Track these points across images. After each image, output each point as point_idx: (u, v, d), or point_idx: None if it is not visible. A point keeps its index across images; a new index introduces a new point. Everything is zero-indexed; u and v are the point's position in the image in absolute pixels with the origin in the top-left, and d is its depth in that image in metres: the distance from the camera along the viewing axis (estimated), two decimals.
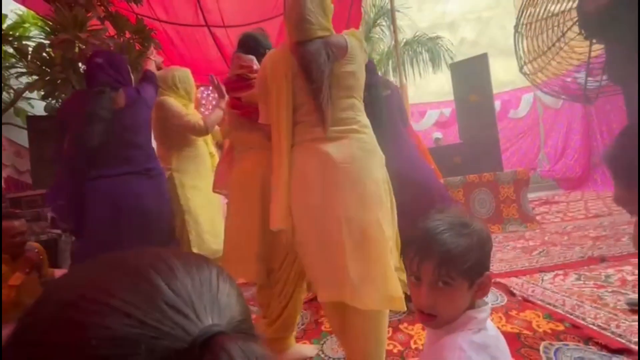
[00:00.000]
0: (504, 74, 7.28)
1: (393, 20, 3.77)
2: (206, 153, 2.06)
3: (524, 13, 1.18)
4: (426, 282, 0.64)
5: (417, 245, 0.65)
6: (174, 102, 1.89)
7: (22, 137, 3.33)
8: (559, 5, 1.19)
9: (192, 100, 2.10)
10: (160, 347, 0.21)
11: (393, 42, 5.09)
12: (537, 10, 1.15)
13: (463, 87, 3.94)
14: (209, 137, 2.12)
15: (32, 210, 2.33)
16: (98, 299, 0.22)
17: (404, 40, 6.52)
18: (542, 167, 7.13)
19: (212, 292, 0.25)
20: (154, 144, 1.81)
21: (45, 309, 0.23)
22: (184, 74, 2.05)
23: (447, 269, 0.62)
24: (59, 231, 2.02)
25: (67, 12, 2.48)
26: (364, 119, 1.11)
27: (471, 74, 3.85)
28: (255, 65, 1.37)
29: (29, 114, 3.49)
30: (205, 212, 1.87)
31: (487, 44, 8.30)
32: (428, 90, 7.83)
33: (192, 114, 1.93)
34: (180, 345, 0.22)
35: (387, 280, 0.96)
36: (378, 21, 6.48)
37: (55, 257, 2.21)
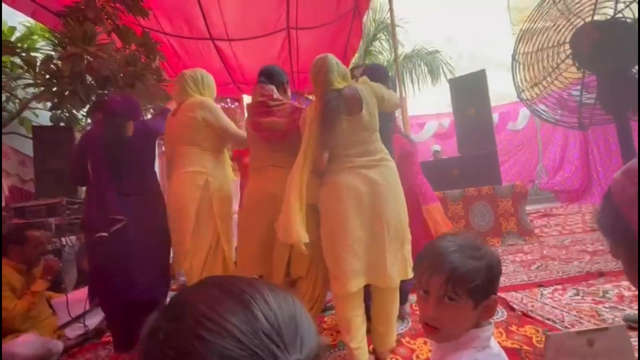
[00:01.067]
0: (502, 87, 7.40)
1: (393, 35, 3.85)
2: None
3: (521, 43, 1.24)
4: (433, 296, 0.67)
5: (428, 261, 0.70)
6: (216, 105, 1.80)
7: (26, 147, 3.36)
8: (554, 38, 1.25)
9: None
10: None
11: (392, 56, 5.20)
12: (533, 41, 1.21)
13: (462, 102, 4.01)
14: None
15: (37, 220, 2.34)
16: (216, 321, 0.27)
17: (403, 54, 6.65)
18: (540, 180, 7.19)
19: (297, 326, 0.29)
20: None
21: (180, 323, 0.28)
22: (209, 76, 1.87)
23: (454, 285, 0.65)
24: (63, 241, 2.04)
25: (77, 26, 2.54)
26: (383, 147, 1.42)
27: (470, 90, 3.93)
28: (275, 94, 1.61)
29: (34, 123, 3.53)
30: (230, 221, 1.86)
31: (485, 57, 8.48)
32: (427, 102, 7.95)
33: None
34: None
35: (407, 262, 1.38)
36: (378, 35, 6.61)
37: (60, 274, 2.22)
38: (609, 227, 0.52)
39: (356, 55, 6.03)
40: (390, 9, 3.75)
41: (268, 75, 1.65)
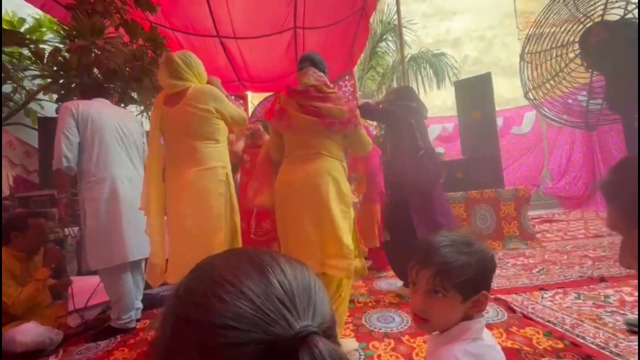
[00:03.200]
0: (507, 91, 7.39)
1: (400, 36, 3.86)
2: None
3: (529, 42, 1.25)
4: (422, 288, 0.70)
5: (418, 255, 0.72)
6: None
7: (32, 138, 3.39)
8: (562, 38, 1.25)
9: None
10: (271, 332, 0.26)
11: (398, 57, 5.20)
12: (542, 41, 1.21)
13: (466, 105, 4.00)
14: None
15: (40, 210, 2.36)
16: (233, 283, 0.29)
17: (409, 55, 6.64)
18: (545, 184, 7.15)
19: (311, 296, 0.30)
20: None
21: (202, 283, 0.30)
22: (198, 60, 1.72)
23: (442, 279, 0.68)
24: (66, 231, 2.05)
25: (86, 19, 2.55)
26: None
27: (475, 93, 3.91)
28: (327, 81, 1.60)
29: (40, 115, 3.55)
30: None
31: (491, 62, 8.45)
32: (431, 105, 7.92)
33: None
34: (285, 335, 0.27)
35: None
36: (384, 36, 6.61)
37: (62, 262, 2.23)
38: (617, 189, 0.53)
39: (362, 55, 6.03)
40: (398, 11, 3.76)
41: (314, 62, 1.60)
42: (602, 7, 1.15)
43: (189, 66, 1.64)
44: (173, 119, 1.61)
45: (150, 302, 2.26)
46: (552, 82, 1.34)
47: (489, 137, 3.80)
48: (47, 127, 3.04)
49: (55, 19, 3.22)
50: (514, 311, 1.80)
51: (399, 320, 1.81)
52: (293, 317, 0.28)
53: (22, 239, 1.83)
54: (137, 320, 2.05)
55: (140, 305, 2.10)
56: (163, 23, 3.51)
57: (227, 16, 3.52)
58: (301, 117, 1.50)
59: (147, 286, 2.28)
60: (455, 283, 0.67)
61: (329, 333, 0.30)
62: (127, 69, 2.81)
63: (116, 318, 1.91)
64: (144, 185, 1.64)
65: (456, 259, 0.68)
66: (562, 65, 1.31)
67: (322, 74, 1.59)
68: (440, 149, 6.41)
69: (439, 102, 7.90)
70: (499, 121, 6.69)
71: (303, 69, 1.59)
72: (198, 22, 3.62)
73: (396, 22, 4.06)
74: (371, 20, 4.15)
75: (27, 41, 2.93)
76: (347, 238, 1.43)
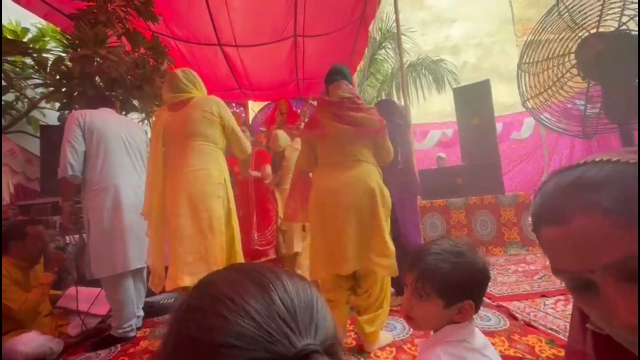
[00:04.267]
0: (506, 97, 7.43)
1: (399, 44, 3.90)
2: None
3: (527, 52, 1.27)
4: (409, 289, 0.77)
5: (409, 260, 0.79)
6: None
7: (33, 145, 3.40)
8: (559, 48, 1.27)
9: None
10: (272, 350, 0.26)
11: (398, 64, 5.25)
12: (539, 50, 1.23)
13: (466, 111, 4.03)
14: None
15: (41, 218, 2.36)
16: (235, 301, 0.29)
17: (408, 62, 6.70)
18: None
19: (313, 314, 0.30)
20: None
21: (204, 300, 0.30)
22: (197, 76, 1.81)
23: (423, 283, 0.73)
24: (67, 240, 2.06)
25: (89, 28, 2.59)
26: None
27: (474, 99, 3.95)
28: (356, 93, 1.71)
29: (42, 122, 3.58)
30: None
31: (490, 68, 8.52)
32: (431, 111, 7.98)
33: None
34: (287, 353, 0.26)
35: None
36: (383, 43, 6.68)
37: (64, 267, 2.23)
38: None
39: (362, 62, 6.09)
40: (397, 19, 3.80)
41: (345, 75, 1.70)
42: (597, 18, 1.18)
43: (191, 81, 1.74)
44: (176, 122, 1.67)
45: (151, 310, 2.25)
46: (549, 91, 1.36)
47: (488, 143, 3.82)
48: (49, 135, 3.06)
49: (58, 29, 3.26)
50: (515, 319, 1.79)
51: (400, 328, 1.80)
52: (295, 335, 0.27)
53: (21, 248, 1.83)
54: (138, 329, 2.04)
55: (141, 313, 2.09)
56: (165, 32, 3.56)
57: (228, 24, 3.57)
58: (338, 126, 1.59)
59: (149, 294, 2.28)
60: (436, 288, 0.72)
61: (332, 350, 0.30)
62: (129, 77, 2.83)
63: (117, 327, 1.90)
64: (146, 191, 1.67)
65: (437, 267, 0.72)
66: (559, 75, 1.33)
67: (351, 86, 1.69)
68: (441, 154, 6.44)
69: (438, 107, 7.95)
70: (499, 127, 6.71)
71: (335, 82, 1.68)
72: (199, 31, 3.66)
73: (395, 30, 4.10)
74: (370, 28, 4.19)
75: (29, 50, 2.97)
76: (389, 239, 1.55)
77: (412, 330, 1.76)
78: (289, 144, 3.01)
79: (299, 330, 0.28)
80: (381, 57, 6.86)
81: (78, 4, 2.78)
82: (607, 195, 0.33)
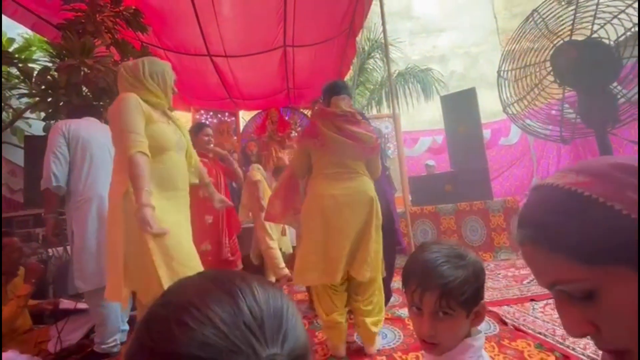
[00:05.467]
0: (494, 104, 7.57)
1: (386, 54, 3.96)
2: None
3: (505, 60, 1.31)
4: (427, 312, 0.67)
5: (418, 278, 0.69)
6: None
7: (17, 156, 3.34)
8: (535, 56, 1.32)
9: (169, 97, 1.59)
10: None
11: (386, 73, 5.31)
12: (517, 59, 1.27)
13: (453, 119, 4.10)
14: None
15: (24, 231, 2.30)
16: (200, 309, 0.28)
17: (397, 71, 6.81)
18: None
19: (282, 323, 0.29)
20: None
21: (168, 308, 0.29)
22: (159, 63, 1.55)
23: (447, 300, 0.65)
24: (49, 252, 2.00)
25: (76, 39, 2.57)
26: None
27: (460, 107, 4.02)
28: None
29: (27, 132, 3.52)
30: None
31: (476, 76, 8.72)
32: (420, 118, 8.10)
33: None
34: None
35: None
36: (372, 54, 6.79)
37: (44, 278, 2.16)
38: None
39: (350, 72, 6.17)
40: (384, 30, 3.87)
41: (349, 91, 1.79)
42: (570, 26, 1.23)
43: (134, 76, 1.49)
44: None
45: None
46: (528, 97, 1.41)
47: (476, 149, 3.88)
48: (34, 146, 3.00)
49: (45, 39, 3.24)
50: (505, 323, 1.79)
51: (391, 336, 1.79)
52: (260, 345, 0.27)
53: None
54: (122, 344, 1.98)
55: (126, 327, 2.03)
56: (154, 42, 3.56)
57: (218, 35, 3.58)
58: (339, 138, 1.64)
59: (134, 307, 2.22)
60: (460, 301, 0.65)
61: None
62: (116, 86, 2.81)
63: (100, 342, 1.84)
64: None
65: (456, 276, 0.66)
66: (537, 81, 1.37)
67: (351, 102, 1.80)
68: (430, 161, 6.51)
69: (427, 115, 8.06)
70: (487, 133, 6.84)
71: (341, 95, 1.73)
72: (189, 42, 3.67)
73: (383, 40, 4.18)
74: (359, 38, 4.26)
75: (15, 60, 2.93)
76: (377, 249, 1.62)
77: (402, 338, 1.75)
78: (263, 179, 3.10)
79: (265, 340, 0.27)
80: (370, 67, 6.96)
81: (66, 14, 2.78)
82: (532, 225, 0.36)
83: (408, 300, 0.71)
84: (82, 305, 1.98)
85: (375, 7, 3.46)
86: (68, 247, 1.91)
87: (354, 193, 1.61)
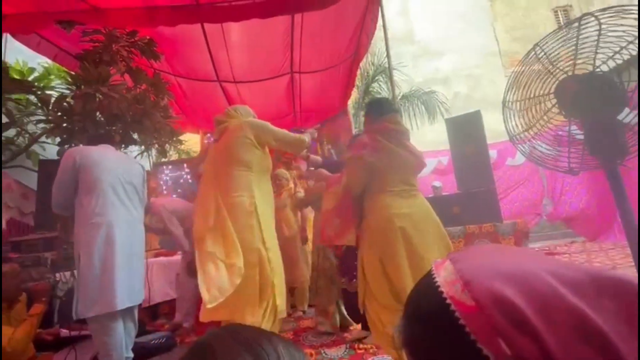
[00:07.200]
0: (499, 124, 7.60)
1: (390, 78, 4.06)
2: None
3: (510, 92, 1.33)
4: None
5: None
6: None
7: (31, 179, 3.41)
8: (539, 89, 1.35)
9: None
10: None
11: (391, 96, 5.43)
12: (521, 91, 1.30)
13: (458, 141, 4.12)
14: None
15: (32, 255, 2.31)
16: None
17: (401, 94, 6.93)
18: (547, 212, 7.19)
19: None
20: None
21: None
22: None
23: None
24: (57, 277, 2.00)
25: (92, 68, 2.70)
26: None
27: (465, 130, 4.05)
28: None
29: (42, 157, 3.61)
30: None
31: (480, 98, 8.82)
32: (425, 140, 8.14)
33: None
34: None
35: None
36: (376, 77, 6.95)
37: (51, 303, 2.15)
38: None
39: (356, 95, 6.30)
40: (388, 55, 3.98)
41: (395, 108, 1.87)
42: (572, 61, 1.27)
43: (228, 114, 2.07)
44: (214, 151, 1.89)
45: (141, 351, 2.14)
46: (534, 128, 1.43)
47: (482, 173, 3.87)
48: (48, 169, 3.07)
49: (64, 68, 3.39)
50: None
51: None
52: None
53: None
54: None
55: (130, 354, 1.99)
56: (166, 69, 3.70)
57: (227, 61, 3.72)
58: (404, 154, 1.66)
59: (140, 333, 2.18)
60: None
61: None
62: (130, 112, 2.91)
63: None
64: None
65: None
66: (542, 113, 1.40)
67: None
68: (437, 183, 6.48)
69: (432, 137, 8.10)
70: (494, 154, 6.83)
71: (392, 113, 1.75)
72: (199, 68, 3.81)
73: (387, 64, 4.29)
74: (363, 62, 4.38)
75: (33, 88, 3.07)
76: None
77: None
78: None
79: None
80: (375, 91, 7.11)
81: (85, 45, 2.93)
82: (406, 331, 0.33)
83: None
84: (87, 332, 1.96)
85: (379, 33, 3.57)
86: (75, 272, 1.90)
87: (426, 211, 1.63)
